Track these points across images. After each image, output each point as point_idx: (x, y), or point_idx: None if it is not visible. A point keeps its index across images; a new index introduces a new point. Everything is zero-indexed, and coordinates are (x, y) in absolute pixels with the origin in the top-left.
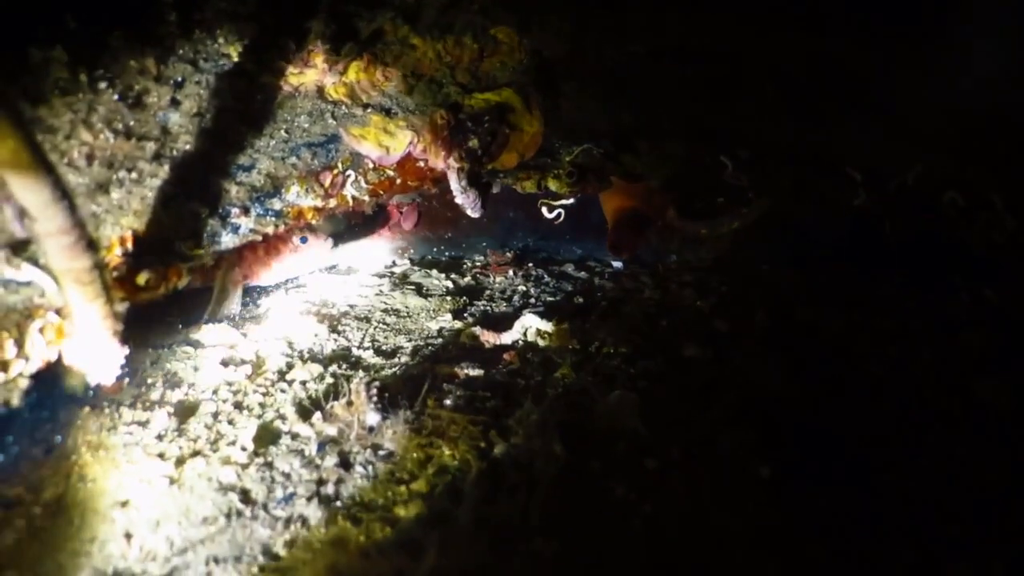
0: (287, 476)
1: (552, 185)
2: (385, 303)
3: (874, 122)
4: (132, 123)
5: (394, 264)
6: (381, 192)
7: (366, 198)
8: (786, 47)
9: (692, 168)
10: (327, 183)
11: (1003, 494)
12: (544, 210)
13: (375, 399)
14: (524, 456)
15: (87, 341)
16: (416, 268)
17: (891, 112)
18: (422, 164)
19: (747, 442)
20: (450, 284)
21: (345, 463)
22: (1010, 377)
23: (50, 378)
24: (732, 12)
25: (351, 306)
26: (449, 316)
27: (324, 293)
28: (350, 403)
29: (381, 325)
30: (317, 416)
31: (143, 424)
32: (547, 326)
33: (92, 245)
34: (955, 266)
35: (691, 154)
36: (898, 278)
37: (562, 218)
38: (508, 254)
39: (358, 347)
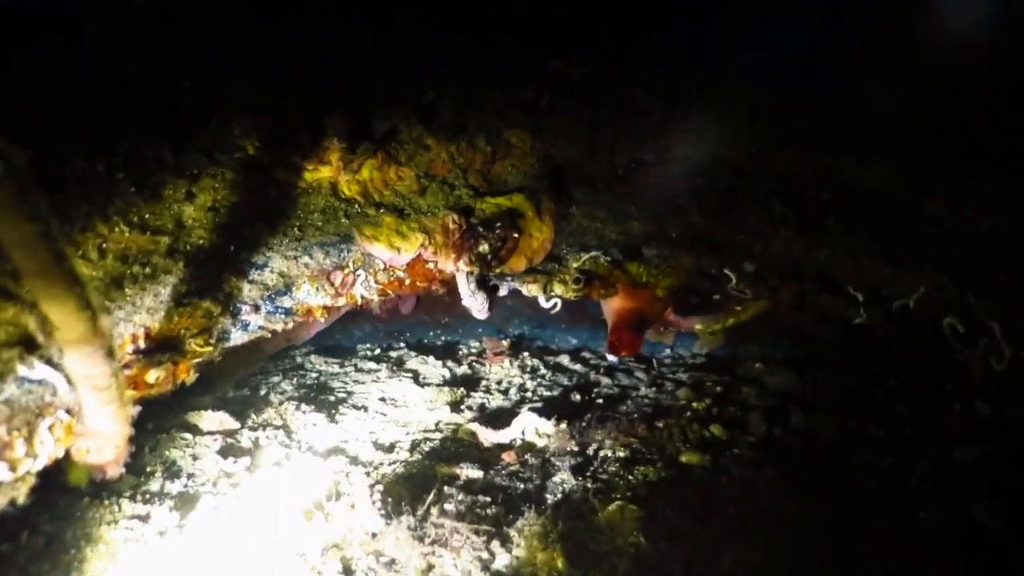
0: None
1: (558, 289)
2: (382, 391)
3: (879, 244)
4: (148, 216)
5: (390, 347)
6: (390, 292)
7: (375, 297)
8: (797, 165)
9: (698, 279)
10: (337, 282)
11: None
12: (541, 299)
13: (378, 504)
14: (527, 569)
15: (97, 441)
16: (413, 353)
17: (898, 234)
18: (432, 266)
19: (749, 561)
20: (447, 373)
21: (347, 570)
22: (1006, 500)
23: (54, 469)
24: (744, 126)
25: (348, 393)
26: (447, 408)
27: (321, 378)
28: (352, 506)
29: (379, 415)
30: (319, 518)
31: (143, 519)
32: (546, 426)
33: (112, 353)
34: (946, 376)
35: (697, 265)
36: (890, 384)
37: (558, 307)
38: (504, 342)
39: (356, 439)
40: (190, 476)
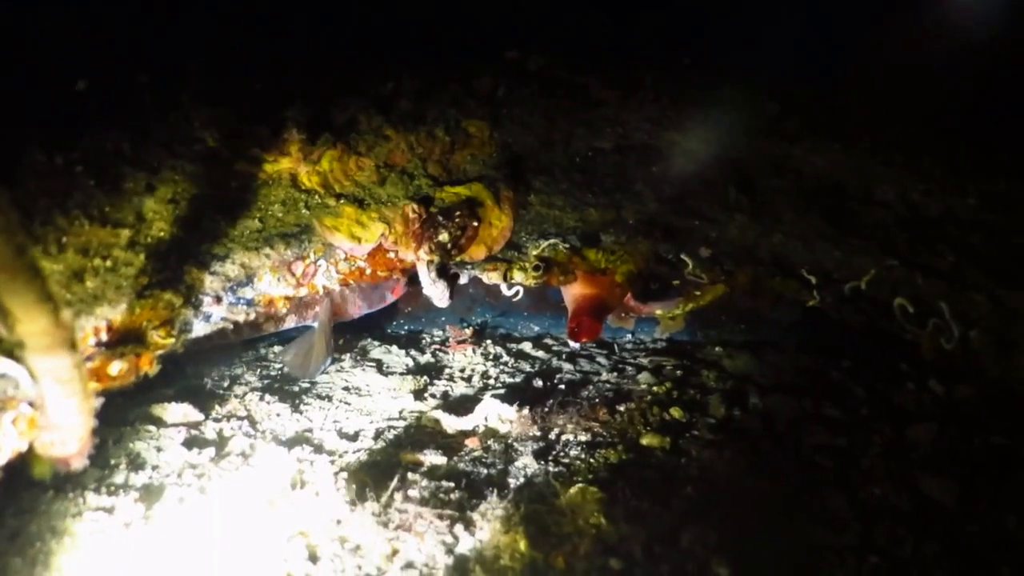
0: (256, 570)
1: (517, 276)
2: (346, 380)
3: (831, 228)
4: (108, 209)
5: (352, 338)
6: (351, 281)
7: (336, 287)
8: (751, 152)
9: (655, 264)
10: (299, 272)
11: None
12: (503, 287)
13: (342, 491)
14: (490, 552)
15: (61, 434)
16: (376, 343)
17: (849, 218)
18: (392, 255)
19: (707, 540)
20: (410, 362)
21: (312, 556)
22: (957, 475)
23: (18, 463)
24: (700, 114)
25: (312, 383)
26: (410, 396)
27: (285, 369)
28: (317, 493)
29: (343, 405)
30: (284, 506)
31: (109, 511)
32: (508, 412)
33: (74, 345)
34: (901, 357)
35: (654, 251)
36: (847, 365)
37: (520, 295)
38: (467, 330)
39: (320, 428)
40: (155, 468)
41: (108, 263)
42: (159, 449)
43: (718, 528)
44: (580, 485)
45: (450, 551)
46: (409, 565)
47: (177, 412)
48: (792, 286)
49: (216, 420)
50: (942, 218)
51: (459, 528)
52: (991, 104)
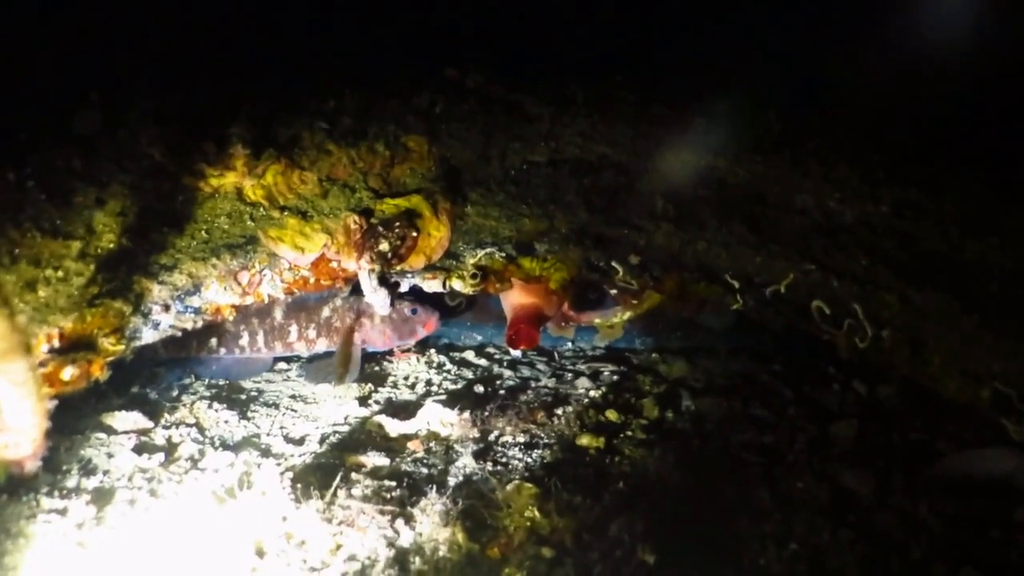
0: (206, 564)
1: (456, 285)
2: (293, 389)
3: (753, 235)
4: (59, 221)
5: None
6: (295, 290)
7: (281, 296)
8: (678, 163)
9: (587, 272)
10: (245, 282)
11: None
12: (446, 298)
13: (288, 490)
14: (429, 544)
15: (15, 436)
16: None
17: (769, 225)
18: (335, 265)
19: (635, 529)
20: None
21: (259, 551)
22: (874, 468)
23: None
24: (630, 130)
25: (260, 392)
26: (355, 403)
27: (233, 378)
28: (263, 492)
29: (289, 412)
30: (232, 505)
31: (61, 513)
32: (450, 416)
33: (28, 349)
34: (827, 359)
35: (586, 259)
36: (776, 368)
37: (463, 305)
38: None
39: (267, 434)
40: (105, 472)
41: (59, 273)
42: (110, 455)
43: (646, 519)
44: (516, 482)
45: (391, 544)
46: (352, 558)
47: (127, 420)
48: (716, 291)
49: (165, 427)
50: (856, 224)
51: (400, 523)
52: (903, 118)
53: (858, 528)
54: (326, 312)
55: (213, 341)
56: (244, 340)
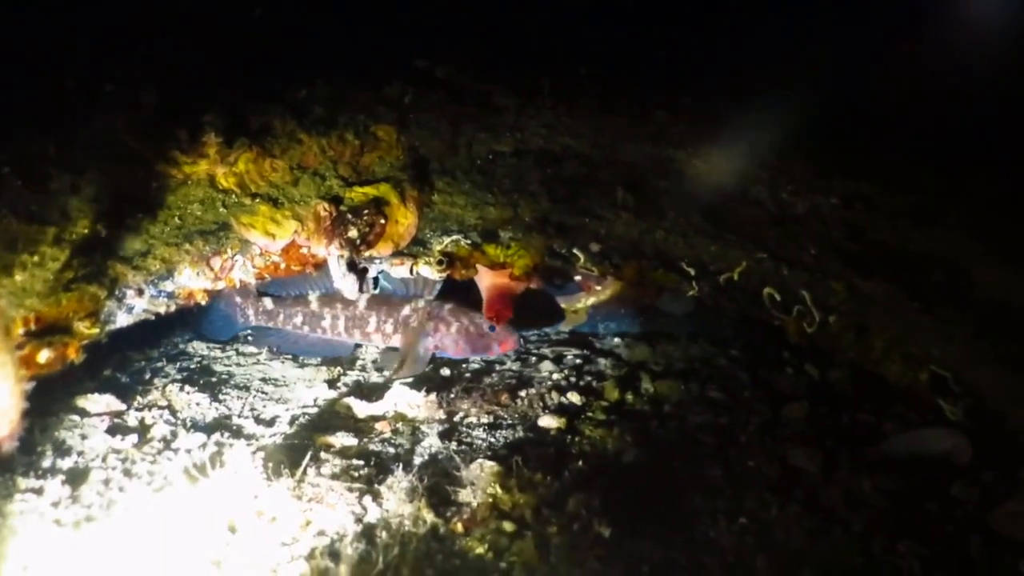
0: (180, 540)
1: (423, 270)
2: (263, 372)
3: (709, 224)
4: (35, 207)
5: None
6: (266, 275)
7: (252, 280)
8: (639, 155)
9: (550, 259)
10: (217, 267)
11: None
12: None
13: (259, 469)
14: (395, 520)
15: None
16: None
17: (725, 215)
18: (305, 251)
19: (592, 505)
20: None
21: (231, 527)
22: (822, 447)
23: None
24: (594, 121)
25: (231, 374)
26: (324, 386)
27: (204, 361)
28: (235, 471)
29: (260, 394)
30: (204, 483)
31: (37, 492)
32: (416, 398)
33: (7, 332)
34: (783, 345)
35: (549, 246)
36: (733, 353)
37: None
38: None
39: (238, 415)
40: (80, 453)
41: (36, 258)
42: (84, 437)
43: (603, 495)
44: (480, 460)
45: (359, 520)
46: (321, 533)
47: (100, 402)
48: (673, 278)
49: (138, 409)
50: (808, 215)
51: (367, 500)
52: (855, 113)
53: (805, 503)
54: (406, 310)
55: (299, 319)
56: (327, 323)
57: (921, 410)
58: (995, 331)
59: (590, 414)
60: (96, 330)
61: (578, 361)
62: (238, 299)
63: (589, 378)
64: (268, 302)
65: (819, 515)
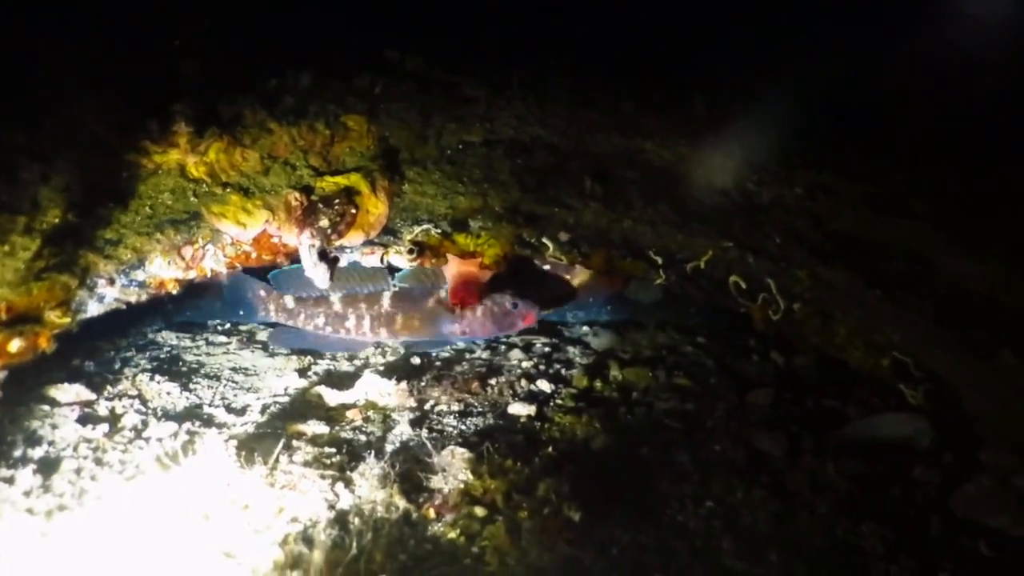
0: (153, 528)
1: (393, 259)
2: (233, 361)
3: (676, 214)
4: (5, 197)
5: (239, 322)
6: (238, 265)
7: (223, 270)
8: (608, 146)
9: (519, 248)
10: (188, 256)
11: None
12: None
13: (232, 457)
14: (367, 506)
15: None
16: (262, 326)
17: (692, 205)
18: (276, 240)
19: (561, 490)
20: None
21: (205, 515)
22: (787, 432)
23: None
24: (563, 111)
25: (201, 364)
26: (295, 375)
27: (174, 351)
28: (208, 460)
29: (230, 383)
30: (177, 471)
31: (9, 481)
32: (387, 386)
33: None
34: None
35: (518, 235)
36: (700, 341)
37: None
38: None
39: (209, 404)
40: (51, 443)
41: (6, 247)
42: (54, 426)
43: (572, 480)
44: (451, 447)
45: (332, 507)
46: (294, 520)
47: (70, 392)
48: (641, 267)
49: (108, 399)
50: (772, 205)
51: (340, 487)
52: (819, 106)
53: (770, 487)
54: (430, 303)
55: (320, 320)
56: (351, 323)
57: (883, 395)
58: (954, 318)
59: (559, 401)
60: (67, 319)
61: (547, 349)
62: (262, 292)
63: (558, 366)
64: (289, 301)
65: (784, 499)
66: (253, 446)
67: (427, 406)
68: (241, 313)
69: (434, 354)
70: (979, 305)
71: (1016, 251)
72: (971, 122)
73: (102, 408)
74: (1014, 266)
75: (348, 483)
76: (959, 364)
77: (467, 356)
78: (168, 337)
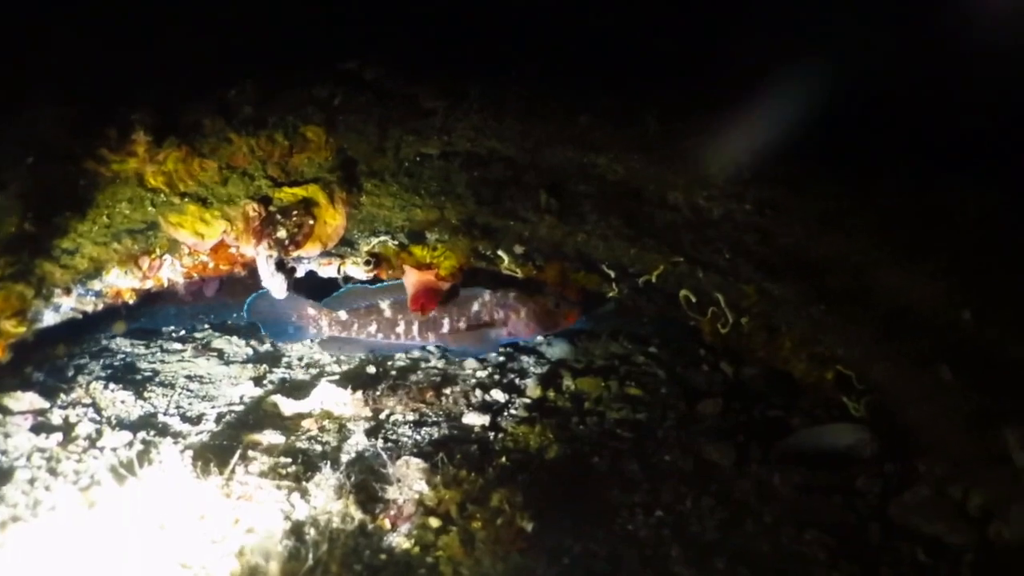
0: (108, 539)
1: (351, 271)
2: (188, 369)
3: (629, 228)
4: None
5: (195, 329)
6: (195, 275)
7: (181, 280)
8: (563, 160)
9: (475, 260)
10: (145, 266)
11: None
12: (340, 280)
13: (188, 467)
14: (323, 516)
15: None
16: (217, 334)
17: (644, 220)
18: (234, 250)
19: (514, 500)
20: (250, 351)
21: (160, 525)
22: (735, 442)
23: None
24: (519, 125)
25: (155, 372)
26: (251, 383)
27: (128, 359)
28: (163, 470)
29: (185, 392)
30: (131, 482)
31: None
32: (343, 395)
33: None
34: (699, 343)
35: (474, 248)
36: (652, 351)
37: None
38: None
39: (164, 413)
40: (3, 452)
41: None
42: (7, 435)
43: (526, 490)
44: (406, 457)
45: (288, 517)
46: (250, 531)
47: (23, 400)
48: (594, 279)
49: (62, 407)
50: (722, 220)
51: (296, 497)
52: (769, 121)
53: (718, 496)
54: (475, 306)
55: (373, 327)
56: (400, 328)
57: (828, 406)
58: (895, 332)
59: (513, 411)
60: (23, 328)
61: (502, 359)
62: (311, 311)
63: (512, 375)
64: (343, 314)
65: (732, 507)
66: (209, 456)
67: (382, 416)
68: (293, 333)
69: (390, 363)
70: (918, 320)
71: (953, 267)
72: (910, 140)
73: (56, 417)
74: (951, 282)
75: (304, 494)
76: (899, 377)
77: (422, 365)
78: (122, 344)
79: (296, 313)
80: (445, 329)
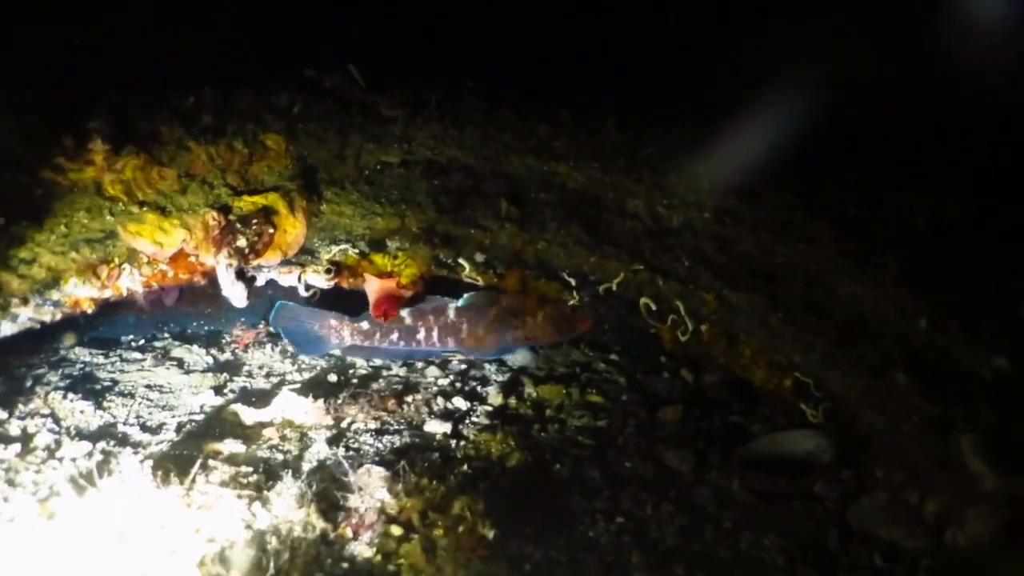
0: (68, 550)
1: (311, 279)
2: (148, 379)
3: (589, 236)
4: None
5: (154, 338)
6: (154, 284)
7: (140, 289)
8: (523, 168)
9: (436, 268)
10: (104, 275)
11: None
12: (301, 288)
13: (148, 477)
14: (285, 525)
15: None
16: (177, 343)
17: (604, 227)
18: (193, 259)
19: (475, 507)
20: (211, 360)
21: (121, 535)
22: (694, 448)
23: None
24: (479, 133)
25: (115, 381)
26: (211, 392)
27: (87, 368)
28: (123, 480)
29: (145, 401)
30: (91, 492)
31: None
32: (304, 404)
33: None
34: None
35: (435, 256)
36: (613, 358)
37: (317, 296)
38: (260, 327)
39: (124, 423)
40: None
41: None
42: None
43: (487, 497)
44: (368, 466)
45: (249, 526)
46: (211, 540)
47: None
48: (555, 287)
49: (20, 418)
50: (681, 228)
51: (257, 506)
52: (727, 132)
53: (678, 502)
54: (493, 311)
55: (395, 335)
56: (421, 335)
57: (787, 413)
58: (851, 339)
59: (475, 419)
60: None
61: (463, 367)
62: (333, 322)
63: (474, 383)
64: (365, 323)
65: (691, 513)
66: (169, 465)
67: (344, 424)
68: (316, 344)
69: (351, 371)
70: (875, 328)
71: (908, 276)
72: (864, 151)
73: (13, 427)
74: (907, 290)
75: (265, 503)
76: (856, 384)
77: (384, 373)
78: (81, 353)
79: (319, 323)
80: (464, 334)
